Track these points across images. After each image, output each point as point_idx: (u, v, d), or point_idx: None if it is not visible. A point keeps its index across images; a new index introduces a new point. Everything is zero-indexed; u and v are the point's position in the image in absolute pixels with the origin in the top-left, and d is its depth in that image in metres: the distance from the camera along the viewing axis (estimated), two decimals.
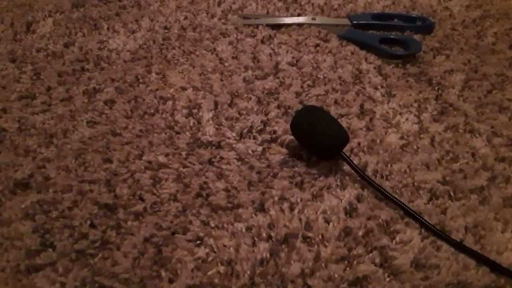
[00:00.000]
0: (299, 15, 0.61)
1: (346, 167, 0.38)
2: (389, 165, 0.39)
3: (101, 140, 0.42)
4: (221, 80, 0.49)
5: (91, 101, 0.47)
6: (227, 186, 0.37)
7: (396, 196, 0.36)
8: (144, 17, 0.61)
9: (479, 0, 0.62)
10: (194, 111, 0.45)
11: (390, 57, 0.52)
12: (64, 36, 0.58)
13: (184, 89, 0.48)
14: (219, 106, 0.46)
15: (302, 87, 0.48)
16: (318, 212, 0.35)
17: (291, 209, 0.35)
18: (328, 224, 0.34)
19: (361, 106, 0.45)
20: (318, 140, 0.38)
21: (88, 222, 0.35)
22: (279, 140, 0.42)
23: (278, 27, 0.58)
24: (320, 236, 0.33)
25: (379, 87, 0.48)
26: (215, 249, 0.33)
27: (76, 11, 0.64)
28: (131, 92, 0.48)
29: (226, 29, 0.58)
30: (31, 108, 0.47)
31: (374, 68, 0.50)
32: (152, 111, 0.45)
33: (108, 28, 0.59)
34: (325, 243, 0.33)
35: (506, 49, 0.53)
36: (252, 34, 0.57)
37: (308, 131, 0.38)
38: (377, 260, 0.32)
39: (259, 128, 0.43)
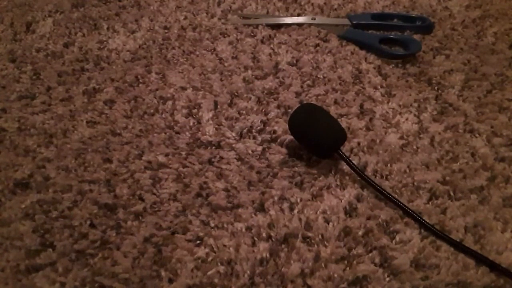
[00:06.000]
0: (299, 15, 0.61)
1: (345, 167, 0.38)
2: (388, 165, 0.39)
3: (101, 140, 0.42)
4: (221, 80, 0.49)
5: (91, 101, 0.47)
6: (227, 186, 0.37)
7: (396, 196, 0.36)
8: (144, 17, 0.61)
9: (479, 0, 0.62)
10: (194, 111, 0.45)
11: (390, 57, 0.52)
12: (64, 36, 0.58)
13: (184, 89, 0.48)
14: (219, 106, 0.46)
15: (302, 87, 0.48)
16: (318, 212, 0.35)
17: (291, 209, 0.35)
18: (328, 224, 0.34)
19: (361, 106, 0.45)
20: (315, 138, 0.38)
21: (88, 222, 0.35)
22: (279, 140, 0.42)
23: (278, 27, 0.58)
24: (320, 236, 0.33)
25: (379, 87, 0.48)
26: (215, 249, 0.33)
27: (76, 11, 0.64)
28: (131, 92, 0.48)
29: (226, 29, 0.58)
30: (31, 108, 0.47)
31: (374, 68, 0.50)
32: (152, 111, 0.45)
33: (108, 28, 0.59)
34: (325, 243, 0.33)
35: (506, 49, 0.53)
36: (252, 34, 0.57)
37: (305, 129, 0.38)
38: (377, 260, 0.32)
39: (259, 128, 0.43)
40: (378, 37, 0.54)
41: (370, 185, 0.36)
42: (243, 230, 0.34)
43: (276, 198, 0.36)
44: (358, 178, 0.37)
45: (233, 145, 0.41)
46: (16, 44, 0.57)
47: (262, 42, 0.55)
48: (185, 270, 0.32)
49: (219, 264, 0.32)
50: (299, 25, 0.58)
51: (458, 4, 0.62)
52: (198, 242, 0.34)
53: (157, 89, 0.48)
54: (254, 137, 0.42)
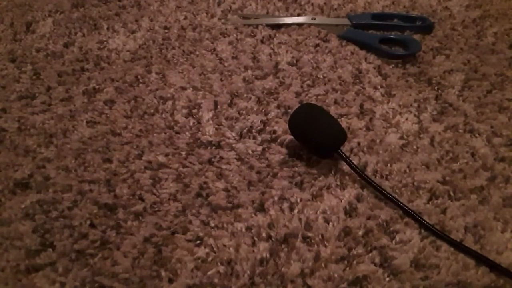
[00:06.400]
0: (299, 15, 0.61)
1: (345, 167, 0.38)
2: (388, 165, 0.39)
3: (101, 140, 0.42)
4: (221, 80, 0.49)
5: (91, 101, 0.47)
6: (227, 186, 0.37)
7: (396, 196, 0.36)
8: (144, 17, 0.61)
9: (479, 0, 0.62)
10: (194, 111, 0.45)
11: (390, 57, 0.52)
12: (64, 36, 0.58)
13: (184, 89, 0.48)
14: (219, 106, 0.46)
15: (302, 87, 0.48)
16: (318, 212, 0.35)
17: (291, 209, 0.35)
18: (328, 224, 0.34)
19: (361, 106, 0.45)
20: (315, 138, 0.38)
21: (88, 222, 0.35)
22: (279, 140, 0.42)
23: (278, 27, 0.58)
24: (320, 236, 0.33)
25: (379, 87, 0.48)
26: (215, 249, 0.33)
27: (76, 11, 0.64)
28: (131, 92, 0.48)
29: (226, 29, 0.58)
30: (31, 108, 0.47)
31: (374, 68, 0.50)
32: (152, 111, 0.45)
33: (108, 28, 0.59)
34: (325, 243, 0.33)
35: (506, 49, 0.53)
36: (252, 34, 0.57)
37: (305, 129, 0.38)
38: (377, 260, 0.32)
39: (259, 128, 0.43)
40: (378, 37, 0.54)
41: (370, 185, 0.36)
42: (243, 230, 0.34)
43: (276, 198, 0.36)
44: (358, 178, 0.37)
45: (233, 145, 0.41)
46: (16, 44, 0.57)
47: (262, 42, 0.55)
48: (185, 270, 0.32)
49: (219, 264, 0.32)
50: (299, 25, 0.58)
51: (458, 4, 0.62)
52: (198, 242, 0.34)
53: (157, 89, 0.48)
54: (254, 137, 0.42)
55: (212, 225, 0.35)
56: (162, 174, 0.38)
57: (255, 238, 0.33)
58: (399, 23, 0.58)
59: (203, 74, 0.50)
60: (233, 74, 0.50)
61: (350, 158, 0.37)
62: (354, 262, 0.32)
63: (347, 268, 0.31)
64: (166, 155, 0.40)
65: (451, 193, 0.36)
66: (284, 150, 0.41)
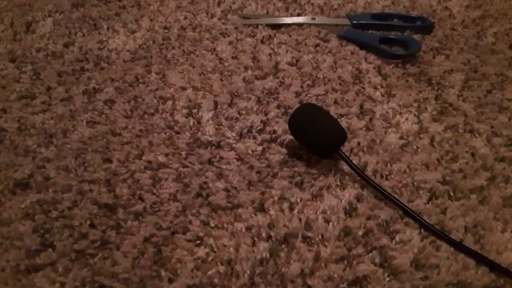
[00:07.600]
0: (299, 15, 0.61)
1: (346, 166, 0.38)
2: (388, 165, 0.39)
3: (101, 140, 0.42)
4: (221, 80, 0.49)
5: (91, 101, 0.47)
6: (227, 186, 0.37)
7: (396, 196, 0.36)
8: (144, 17, 0.61)
9: (479, 0, 0.62)
10: (194, 111, 0.45)
11: (390, 57, 0.52)
12: (64, 36, 0.58)
13: (184, 89, 0.48)
14: (219, 106, 0.46)
15: (301, 87, 0.48)
16: (318, 212, 0.35)
17: (291, 209, 0.35)
18: (328, 224, 0.34)
19: (361, 106, 0.45)
20: (315, 138, 0.38)
21: (88, 222, 0.35)
22: (278, 140, 0.42)
23: (278, 27, 0.58)
24: (320, 236, 0.33)
25: (379, 87, 0.48)
26: (215, 249, 0.33)
27: (76, 11, 0.64)
28: (131, 92, 0.48)
29: (226, 29, 0.58)
30: (31, 108, 0.47)
31: (374, 68, 0.50)
32: (152, 111, 0.45)
33: (108, 28, 0.59)
34: (325, 243, 0.33)
35: (506, 49, 0.53)
36: (252, 34, 0.57)
37: (305, 129, 0.38)
38: (377, 260, 0.32)
39: (259, 128, 0.43)
40: (378, 37, 0.54)
41: (370, 185, 0.36)
42: (243, 230, 0.34)
43: (276, 198, 0.36)
44: (358, 178, 0.37)
45: (233, 145, 0.41)
46: (16, 44, 0.57)
47: (262, 42, 0.55)
48: (185, 270, 0.32)
49: (219, 264, 0.32)
50: (299, 25, 0.58)
51: (458, 4, 0.62)
52: (198, 242, 0.34)
53: (157, 89, 0.48)
54: (254, 137, 0.42)
55: (212, 225, 0.35)
56: (162, 174, 0.38)
57: (255, 238, 0.33)
58: (399, 23, 0.58)
59: (203, 74, 0.50)
60: (233, 74, 0.50)
61: (350, 158, 0.37)
62: (354, 262, 0.32)
63: (347, 268, 0.31)
64: (166, 155, 0.40)
65: (451, 193, 0.36)
66: (284, 150, 0.41)
